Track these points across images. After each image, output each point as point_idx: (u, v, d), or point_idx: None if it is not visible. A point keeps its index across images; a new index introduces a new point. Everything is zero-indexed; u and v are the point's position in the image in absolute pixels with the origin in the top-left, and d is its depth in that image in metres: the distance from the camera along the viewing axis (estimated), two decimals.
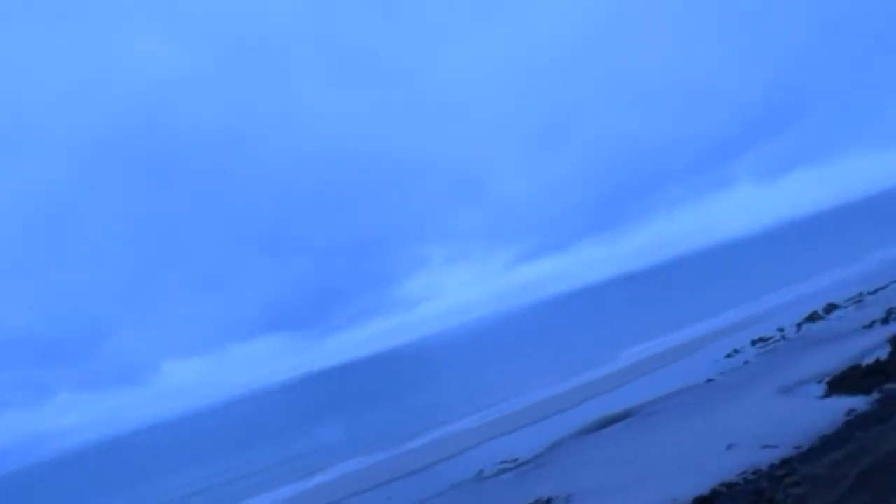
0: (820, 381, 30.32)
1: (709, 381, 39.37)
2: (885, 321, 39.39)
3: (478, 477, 34.11)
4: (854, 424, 22.80)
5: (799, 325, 48.13)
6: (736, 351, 45.79)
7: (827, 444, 21.55)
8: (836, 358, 33.53)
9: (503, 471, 33.92)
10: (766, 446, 23.31)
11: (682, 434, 28.99)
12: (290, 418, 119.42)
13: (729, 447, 24.69)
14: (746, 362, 41.71)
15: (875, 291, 51.91)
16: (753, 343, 46.67)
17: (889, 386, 25.99)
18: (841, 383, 28.76)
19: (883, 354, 30.97)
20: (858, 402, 25.10)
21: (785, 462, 21.07)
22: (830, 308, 50.66)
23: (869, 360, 30.74)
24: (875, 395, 25.43)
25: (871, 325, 39.51)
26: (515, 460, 34.98)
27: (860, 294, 52.58)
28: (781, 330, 48.27)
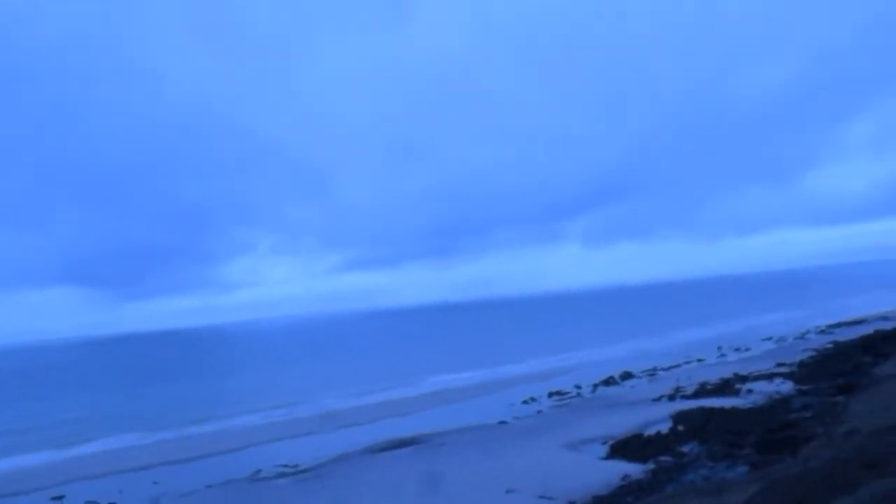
0: (604, 443, 31.30)
1: (502, 423, 39.90)
2: (671, 398, 41.58)
3: (253, 476, 32.55)
4: (627, 489, 23.52)
5: (595, 386, 50.08)
6: (533, 399, 46.87)
7: None
8: (622, 423, 34.87)
9: (281, 475, 32.55)
10: (542, 496, 23.53)
11: (466, 470, 28.90)
12: (69, 379, 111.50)
13: (508, 491, 24.76)
14: (540, 412, 42.73)
15: (669, 368, 55.11)
16: (550, 395, 47.98)
17: (664, 458, 27.15)
18: (622, 448, 29.82)
19: (664, 428, 32.55)
20: (635, 469, 25.98)
21: None
22: (626, 376, 53.17)
23: (651, 432, 32.19)
24: (650, 465, 26.44)
25: (659, 399, 41.59)
26: (296, 466, 33.71)
27: (655, 368, 55.64)
28: (578, 387, 50.04)
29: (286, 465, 33.98)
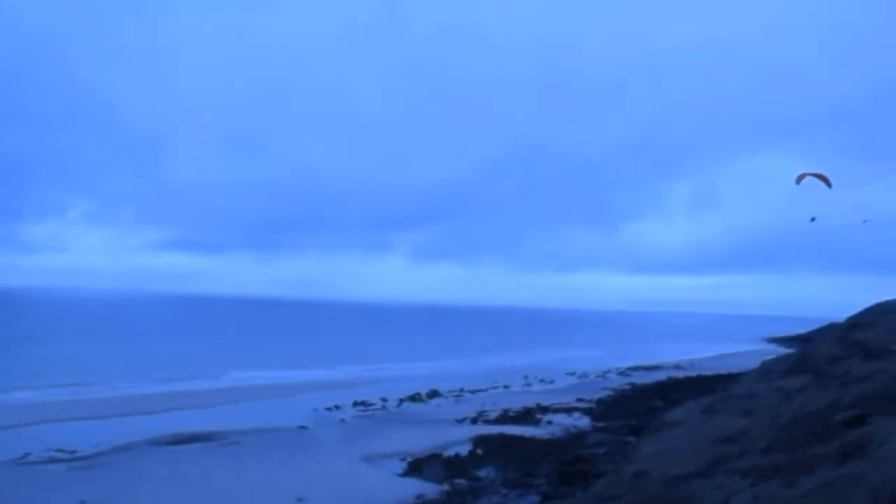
0: (403, 459, 30.69)
1: (302, 427, 38.44)
2: (474, 420, 41.77)
3: (21, 460, 29.31)
4: None
5: (401, 401, 49.59)
6: (337, 407, 45.65)
7: None
8: (423, 441, 34.42)
9: (53, 460, 29.60)
10: None
11: (257, 473, 27.34)
12: None
13: (299, 500, 23.50)
14: (343, 420, 41.65)
15: (475, 391, 55.64)
16: (355, 404, 46.97)
17: (459, 481, 26.85)
18: (420, 467, 29.30)
19: (464, 450, 32.43)
20: (430, 489, 25.48)
21: None
22: (433, 394, 53.11)
23: (451, 453, 31.95)
24: (446, 486, 26.03)
25: (462, 421, 41.64)
26: (73, 452, 30.77)
27: (462, 389, 56.01)
28: (384, 400, 49.34)
29: (61, 450, 30.96)
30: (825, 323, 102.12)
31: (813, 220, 38.45)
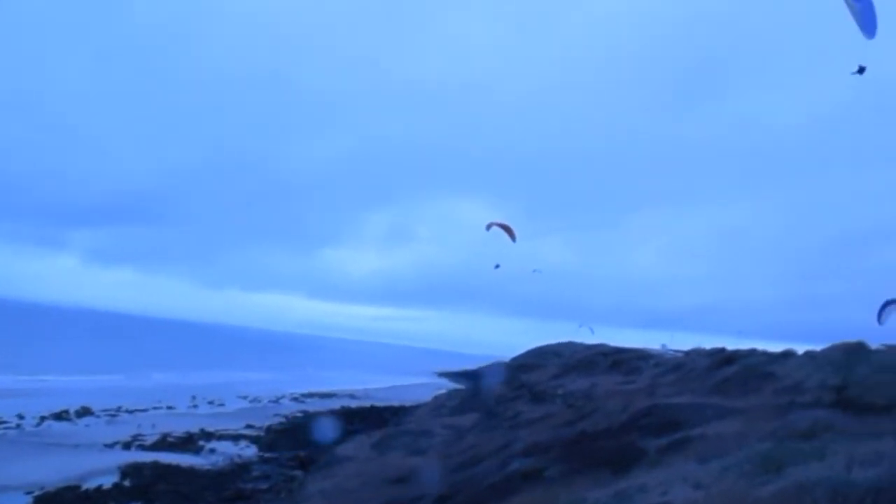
0: (29, 493, 26.16)
1: None
2: (127, 445, 37.56)
3: None
4: None
5: (43, 419, 43.29)
6: None
7: None
8: (61, 470, 29.84)
9: None
10: None
11: None
12: None
13: None
14: None
15: (135, 411, 50.55)
16: None
17: None
18: (50, 502, 25.17)
19: (108, 482, 28.63)
20: None
21: None
22: (85, 412, 47.35)
23: (91, 485, 28.02)
24: None
25: (113, 445, 37.22)
26: None
27: (119, 408, 50.65)
28: (21, 417, 42.55)
29: None
30: (491, 361, 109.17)
31: (497, 266, 40.74)
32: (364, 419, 56.01)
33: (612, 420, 25.42)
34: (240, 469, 34.16)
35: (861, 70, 21.60)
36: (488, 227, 31.68)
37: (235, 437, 43.50)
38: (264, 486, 30.23)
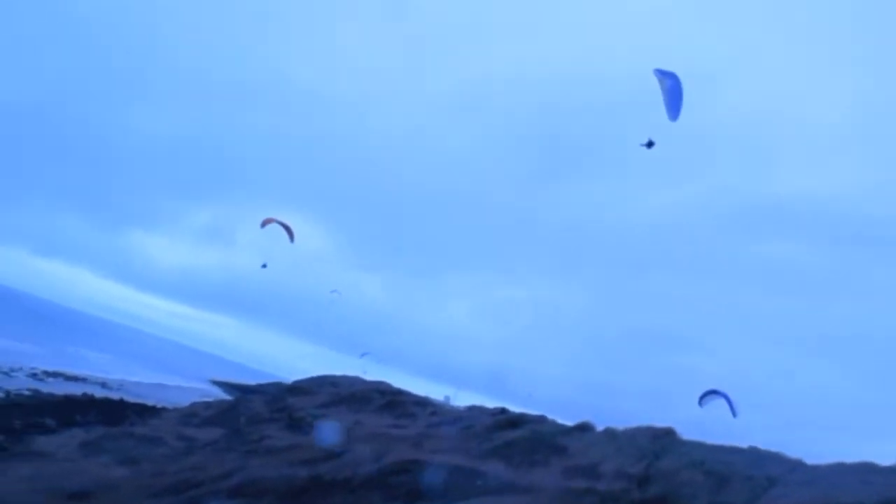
0: None
1: None
2: None
3: None
4: None
5: None
6: None
7: None
8: None
9: None
10: None
11: None
12: None
13: None
14: None
15: None
16: None
17: None
18: None
19: None
20: None
21: None
22: None
23: None
24: None
25: None
26: None
27: None
28: None
29: None
30: (273, 380, 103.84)
31: (264, 266, 37.42)
32: (101, 412, 49.85)
33: (359, 469, 22.43)
34: None
35: (650, 144, 21.64)
36: (264, 223, 28.40)
37: None
38: None
